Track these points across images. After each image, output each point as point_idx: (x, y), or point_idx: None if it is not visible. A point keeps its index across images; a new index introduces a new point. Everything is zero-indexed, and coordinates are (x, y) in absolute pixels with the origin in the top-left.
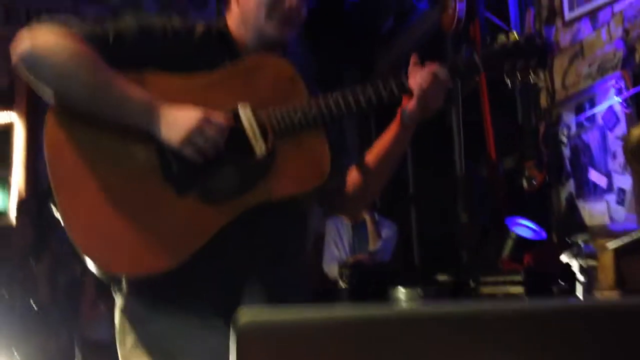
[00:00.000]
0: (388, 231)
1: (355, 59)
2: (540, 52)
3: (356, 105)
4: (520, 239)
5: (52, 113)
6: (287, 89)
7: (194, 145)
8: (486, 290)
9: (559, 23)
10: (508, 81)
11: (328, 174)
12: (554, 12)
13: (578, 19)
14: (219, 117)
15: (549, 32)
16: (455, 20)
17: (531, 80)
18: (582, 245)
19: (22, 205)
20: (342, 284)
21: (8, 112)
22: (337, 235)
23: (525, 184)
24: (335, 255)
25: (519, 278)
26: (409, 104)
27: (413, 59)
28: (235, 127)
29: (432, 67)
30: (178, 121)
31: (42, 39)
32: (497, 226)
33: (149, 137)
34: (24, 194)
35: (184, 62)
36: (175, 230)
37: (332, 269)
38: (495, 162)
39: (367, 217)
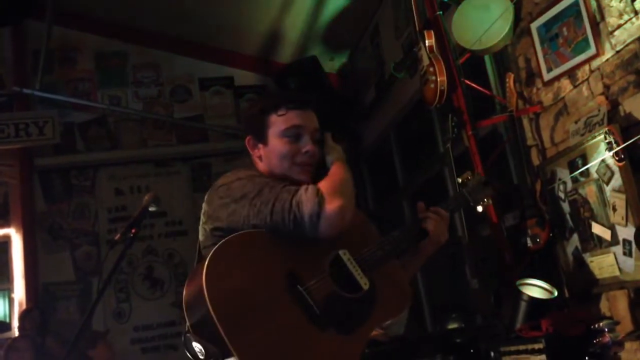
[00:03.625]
0: None
1: (344, 133)
2: (491, 186)
3: (403, 244)
4: (533, 300)
5: (211, 263)
6: (363, 231)
7: None
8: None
9: (539, 83)
10: (479, 208)
11: (412, 292)
12: (533, 74)
13: (557, 78)
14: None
15: (530, 92)
16: (438, 93)
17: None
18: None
19: (25, 315)
20: None
21: (4, 228)
22: None
23: (530, 242)
24: None
25: (540, 346)
26: (427, 242)
27: (420, 206)
28: (342, 270)
29: (436, 211)
30: None
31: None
32: (508, 289)
33: (287, 289)
34: (24, 304)
35: None
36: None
37: None
38: (497, 225)
39: None
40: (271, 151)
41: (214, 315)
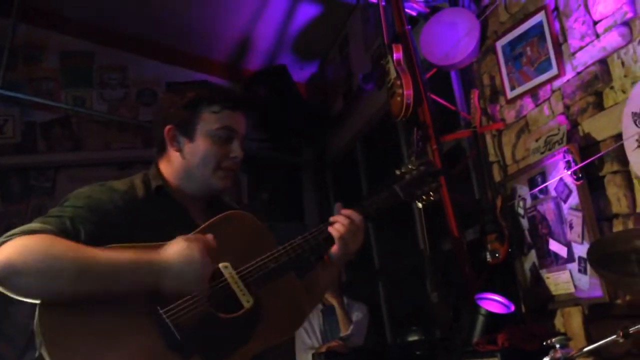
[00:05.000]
0: (359, 314)
1: (309, 142)
2: (438, 174)
3: (306, 253)
4: (490, 315)
5: (42, 311)
6: (256, 240)
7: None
8: None
9: (502, 101)
10: (420, 204)
11: (308, 309)
12: (497, 91)
13: (520, 96)
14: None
15: (494, 109)
16: (404, 107)
17: (432, 199)
18: (559, 346)
19: None
20: None
21: None
22: (307, 322)
23: (489, 257)
24: (308, 343)
25: None
26: (333, 248)
27: (338, 207)
28: (221, 285)
29: (347, 213)
30: (184, 274)
31: (13, 251)
32: (466, 303)
33: (146, 312)
34: None
35: (139, 231)
36: None
37: (305, 359)
38: (458, 239)
39: (335, 302)
40: (196, 149)
41: (43, 340)
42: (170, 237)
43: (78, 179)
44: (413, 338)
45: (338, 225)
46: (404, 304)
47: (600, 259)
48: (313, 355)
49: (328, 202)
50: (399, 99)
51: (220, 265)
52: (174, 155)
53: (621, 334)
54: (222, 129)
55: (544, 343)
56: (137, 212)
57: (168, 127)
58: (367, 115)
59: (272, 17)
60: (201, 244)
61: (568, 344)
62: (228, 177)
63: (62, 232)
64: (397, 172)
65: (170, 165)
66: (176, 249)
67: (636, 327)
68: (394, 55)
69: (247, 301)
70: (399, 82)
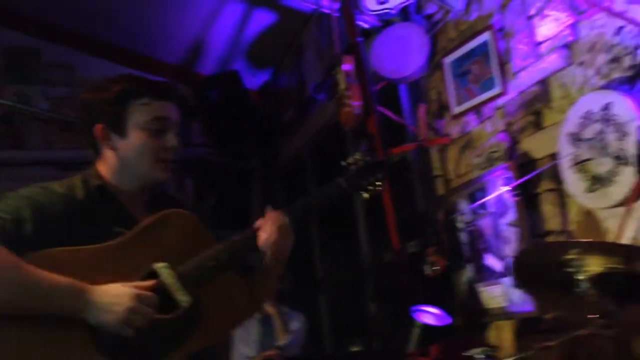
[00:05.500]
0: (297, 323)
1: (259, 150)
2: (382, 164)
3: (244, 252)
4: (426, 327)
5: None
6: (195, 239)
7: (131, 325)
8: None
9: (448, 116)
10: (365, 195)
11: (249, 310)
12: (443, 107)
13: (465, 112)
14: (146, 288)
15: (440, 124)
16: (352, 118)
17: (380, 191)
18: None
19: None
20: None
21: None
22: (244, 331)
23: (428, 270)
24: (244, 353)
25: None
26: (264, 258)
27: (268, 212)
28: (157, 285)
29: (271, 217)
30: (112, 306)
31: None
32: (404, 314)
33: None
34: None
35: (80, 232)
36: None
37: None
38: (399, 251)
39: (273, 311)
40: (130, 145)
41: None
42: (111, 236)
43: (18, 179)
44: (353, 349)
45: (265, 228)
46: (345, 314)
47: (523, 271)
48: None
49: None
50: (347, 109)
51: (158, 265)
52: (109, 154)
53: (540, 347)
54: (154, 120)
55: (466, 354)
56: (77, 213)
57: (98, 126)
58: (318, 125)
59: (226, 23)
60: (136, 297)
61: (493, 355)
62: (167, 168)
63: (2, 233)
64: (343, 163)
65: (108, 165)
66: (110, 292)
67: (556, 341)
68: (345, 66)
69: (184, 301)
70: (348, 93)
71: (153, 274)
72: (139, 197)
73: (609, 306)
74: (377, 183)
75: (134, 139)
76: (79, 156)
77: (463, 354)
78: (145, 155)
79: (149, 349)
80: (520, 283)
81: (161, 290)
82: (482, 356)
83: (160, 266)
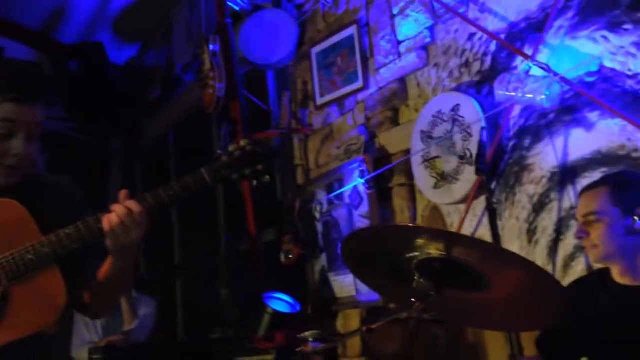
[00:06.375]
0: (146, 308)
1: (120, 127)
2: (265, 158)
3: (75, 244)
4: (276, 314)
5: None
6: (16, 230)
7: None
8: None
9: (311, 107)
10: (251, 183)
11: (64, 306)
12: (308, 97)
13: (328, 104)
14: None
15: (304, 114)
16: (215, 100)
17: (265, 181)
18: (311, 340)
19: None
20: None
21: None
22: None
23: (282, 258)
24: (86, 338)
25: (271, 357)
26: (108, 247)
27: (122, 195)
28: None
29: (128, 204)
30: None
31: None
32: (256, 302)
33: None
34: None
35: None
36: None
37: (82, 354)
38: (254, 238)
39: (122, 296)
40: None
41: None
42: None
43: None
44: (211, 336)
45: (112, 216)
46: (202, 301)
47: (350, 256)
48: (90, 350)
49: (135, 192)
50: (211, 91)
51: None
52: None
53: (364, 329)
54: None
55: (298, 336)
56: None
57: None
58: (184, 106)
59: None
60: None
61: (319, 339)
62: (13, 175)
63: None
64: (218, 152)
65: None
66: None
67: (377, 323)
68: (211, 46)
69: None
70: (212, 74)
71: None
72: None
73: (429, 290)
74: (260, 175)
75: None
76: None
77: (297, 336)
78: None
79: None
80: (350, 268)
81: None
82: (311, 339)
83: None
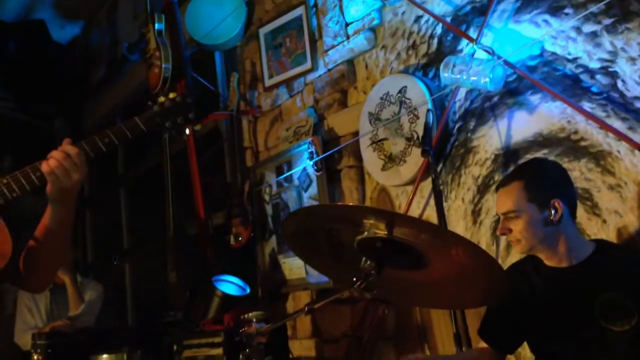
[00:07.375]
0: (92, 293)
1: (64, 109)
2: (190, 107)
3: (15, 193)
4: (226, 297)
5: None
6: None
7: None
8: (189, 353)
9: (260, 88)
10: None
11: (10, 254)
12: (256, 78)
13: (276, 85)
14: None
15: (253, 95)
16: (161, 80)
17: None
18: (254, 321)
19: None
20: (35, 357)
21: None
22: (31, 301)
23: (232, 241)
24: (30, 323)
25: (219, 339)
26: (47, 186)
27: (65, 142)
28: None
29: (64, 148)
30: None
31: None
32: (205, 285)
33: None
34: None
35: None
36: None
37: (24, 340)
38: (203, 221)
39: (67, 280)
40: None
41: None
42: None
43: None
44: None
45: (51, 160)
46: (151, 285)
47: (291, 237)
48: (33, 335)
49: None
50: (156, 70)
51: None
52: None
53: (306, 309)
54: None
55: (242, 317)
56: None
57: None
58: (130, 87)
59: None
60: None
61: (261, 319)
62: None
63: None
64: (149, 103)
65: None
66: None
67: (319, 303)
68: (157, 25)
69: None
70: (158, 54)
71: None
72: None
73: (371, 269)
74: (183, 124)
75: None
76: None
77: (241, 316)
78: None
79: None
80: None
81: None
82: (254, 320)
83: None
